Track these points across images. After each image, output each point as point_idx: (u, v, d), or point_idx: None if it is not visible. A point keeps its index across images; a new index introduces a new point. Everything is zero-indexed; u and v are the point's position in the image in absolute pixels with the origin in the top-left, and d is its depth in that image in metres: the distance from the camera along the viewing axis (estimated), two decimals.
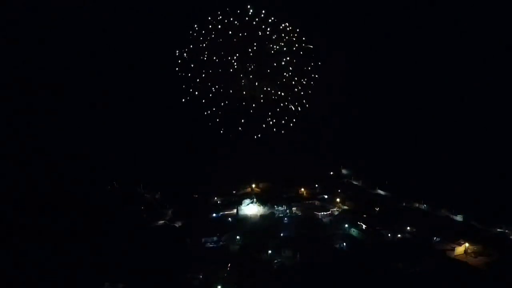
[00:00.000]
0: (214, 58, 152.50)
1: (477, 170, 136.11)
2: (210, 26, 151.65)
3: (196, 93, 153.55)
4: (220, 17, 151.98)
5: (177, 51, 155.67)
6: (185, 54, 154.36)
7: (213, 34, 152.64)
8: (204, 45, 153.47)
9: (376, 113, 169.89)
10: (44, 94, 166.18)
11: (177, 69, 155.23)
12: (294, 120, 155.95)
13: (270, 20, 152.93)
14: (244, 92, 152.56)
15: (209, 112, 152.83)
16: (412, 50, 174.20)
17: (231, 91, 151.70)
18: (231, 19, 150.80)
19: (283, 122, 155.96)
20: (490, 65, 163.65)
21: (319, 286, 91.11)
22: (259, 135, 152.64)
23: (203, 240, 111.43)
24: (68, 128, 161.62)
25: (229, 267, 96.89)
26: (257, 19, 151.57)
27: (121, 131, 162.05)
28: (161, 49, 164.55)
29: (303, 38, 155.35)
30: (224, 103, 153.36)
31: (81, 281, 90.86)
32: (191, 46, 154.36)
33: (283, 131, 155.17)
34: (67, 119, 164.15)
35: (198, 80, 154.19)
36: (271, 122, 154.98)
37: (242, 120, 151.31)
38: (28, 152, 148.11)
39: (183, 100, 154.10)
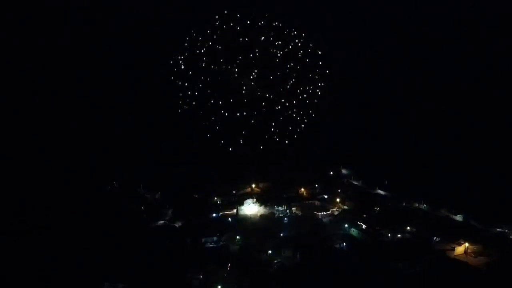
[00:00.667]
0: (213, 66, 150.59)
1: (477, 170, 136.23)
2: (208, 31, 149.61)
3: (194, 102, 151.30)
4: (218, 22, 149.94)
5: (173, 58, 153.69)
6: (181, 61, 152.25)
7: (211, 41, 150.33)
8: (202, 51, 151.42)
9: (376, 113, 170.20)
10: (45, 94, 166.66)
11: (172, 77, 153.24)
12: (298, 130, 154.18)
13: (274, 24, 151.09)
14: (245, 100, 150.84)
15: (207, 123, 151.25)
16: (412, 51, 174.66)
17: (231, 100, 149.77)
18: (231, 24, 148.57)
19: (286, 133, 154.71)
20: (490, 66, 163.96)
21: (319, 286, 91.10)
22: (261, 147, 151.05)
23: (203, 240, 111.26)
24: (69, 128, 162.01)
25: (229, 267, 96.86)
26: (260, 24, 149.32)
27: (121, 131, 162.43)
28: (162, 50, 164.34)
29: (310, 45, 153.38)
30: (224, 112, 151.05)
31: (81, 281, 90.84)
32: (186, 54, 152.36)
33: (286, 141, 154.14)
34: (67, 119, 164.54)
35: (196, 87, 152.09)
36: (275, 137, 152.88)
37: (243, 132, 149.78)
38: (28, 152, 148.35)
39: (180, 110, 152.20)
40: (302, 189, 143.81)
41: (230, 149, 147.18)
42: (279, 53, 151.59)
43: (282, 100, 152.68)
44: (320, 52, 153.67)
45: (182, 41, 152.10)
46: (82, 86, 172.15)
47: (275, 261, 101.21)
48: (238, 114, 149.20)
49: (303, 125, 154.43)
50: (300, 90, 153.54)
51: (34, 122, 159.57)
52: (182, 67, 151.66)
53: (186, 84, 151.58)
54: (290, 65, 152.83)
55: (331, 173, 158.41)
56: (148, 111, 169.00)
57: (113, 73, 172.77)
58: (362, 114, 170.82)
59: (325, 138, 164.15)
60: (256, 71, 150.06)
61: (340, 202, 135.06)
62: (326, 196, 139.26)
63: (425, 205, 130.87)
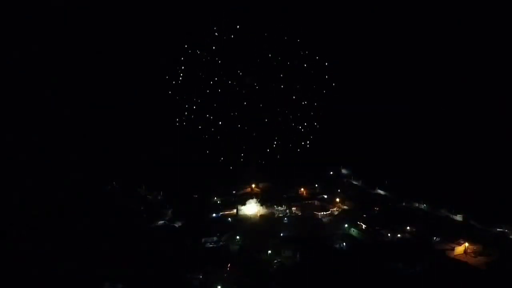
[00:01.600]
0: (212, 82, 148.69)
1: (477, 170, 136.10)
2: (208, 41, 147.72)
3: (192, 116, 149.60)
4: (217, 33, 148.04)
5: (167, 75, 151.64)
6: (180, 72, 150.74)
7: (211, 51, 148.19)
8: (203, 60, 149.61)
9: (376, 112, 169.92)
10: (45, 94, 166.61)
11: (170, 92, 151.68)
12: (302, 143, 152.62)
13: (278, 34, 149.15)
14: (246, 110, 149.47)
15: (206, 136, 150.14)
16: (412, 49, 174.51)
17: (232, 114, 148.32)
18: (232, 36, 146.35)
19: (290, 145, 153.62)
20: (490, 65, 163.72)
21: (319, 286, 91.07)
22: (263, 162, 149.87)
23: (203, 240, 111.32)
24: (69, 128, 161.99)
25: (229, 267, 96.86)
26: (265, 34, 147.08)
27: (121, 131, 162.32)
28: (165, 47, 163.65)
29: (317, 57, 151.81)
30: (224, 127, 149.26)
31: (81, 281, 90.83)
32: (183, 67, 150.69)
33: (289, 153, 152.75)
34: (67, 119, 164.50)
35: (194, 99, 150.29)
36: (278, 155, 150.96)
37: (244, 147, 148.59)
38: (28, 151, 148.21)
39: (177, 123, 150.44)
40: (302, 189, 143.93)
41: (231, 167, 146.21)
42: (282, 63, 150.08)
43: (286, 111, 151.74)
44: (326, 64, 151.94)
45: (182, 48, 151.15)
46: (82, 86, 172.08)
47: (275, 261, 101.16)
48: (239, 125, 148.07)
49: (308, 141, 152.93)
50: (304, 103, 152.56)
51: (34, 121, 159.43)
52: (180, 78, 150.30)
53: (184, 97, 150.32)
54: (294, 75, 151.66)
55: (331, 173, 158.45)
56: (148, 111, 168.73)
57: (113, 73, 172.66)
58: (362, 113, 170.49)
59: (325, 138, 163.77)
60: (258, 81, 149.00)
61: (340, 202, 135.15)
62: (326, 196, 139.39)
63: (425, 205, 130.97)
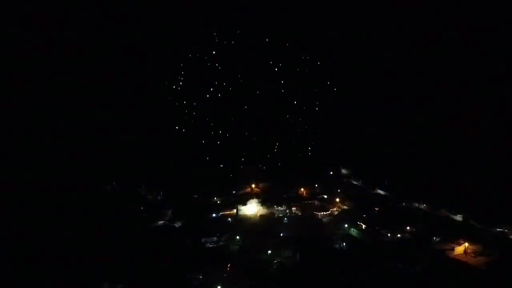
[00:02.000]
0: (212, 89, 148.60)
1: (477, 170, 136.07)
2: (208, 45, 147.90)
3: (193, 121, 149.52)
4: (217, 39, 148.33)
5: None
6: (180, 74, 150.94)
7: (212, 57, 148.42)
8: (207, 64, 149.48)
9: (376, 112, 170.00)
10: (46, 94, 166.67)
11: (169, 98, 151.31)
12: (303, 147, 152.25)
13: (280, 40, 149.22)
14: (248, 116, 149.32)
15: (207, 140, 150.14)
16: (411, 50, 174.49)
17: (232, 119, 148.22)
18: (233, 42, 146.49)
19: (291, 148, 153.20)
20: (490, 65, 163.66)
21: (319, 286, 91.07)
22: (264, 167, 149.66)
23: (203, 240, 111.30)
24: (68, 128, 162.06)
25: (229, 267, 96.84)
26: (266, 40, 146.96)
27: (122, 131, 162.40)
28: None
29: (318, 63, 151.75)
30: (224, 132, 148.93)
31: (81, 281, 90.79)
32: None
33: (289, 155, 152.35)
34: (67, 118, 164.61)
35: (195, 104, 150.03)
36: (280, 155, 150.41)
37: (244, 153, 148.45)
38: (27, 151, 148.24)
39: (177, 128, 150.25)
40: (302, 189, 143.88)
41: (231, 173, 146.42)
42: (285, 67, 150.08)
43: (287, 116, 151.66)
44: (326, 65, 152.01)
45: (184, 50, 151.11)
46: (83, 86, 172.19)
47: (275, 261, 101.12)
48: (238, 128, 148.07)
49: (309, 148, 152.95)
50: (304, 108, 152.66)
51: (33, 121, 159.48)
52: (181, 83, 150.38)
53: (184, 102, 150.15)
54: (294, 77, 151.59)
55: (331, 173, 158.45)
56: (148, 111, 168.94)
57: (114, 74, 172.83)
58: (362, 113, 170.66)
59: (325, 137, 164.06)
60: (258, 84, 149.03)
61: (340, 202, 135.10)
62: (326, 196, 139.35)
63: (425, 205, 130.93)
